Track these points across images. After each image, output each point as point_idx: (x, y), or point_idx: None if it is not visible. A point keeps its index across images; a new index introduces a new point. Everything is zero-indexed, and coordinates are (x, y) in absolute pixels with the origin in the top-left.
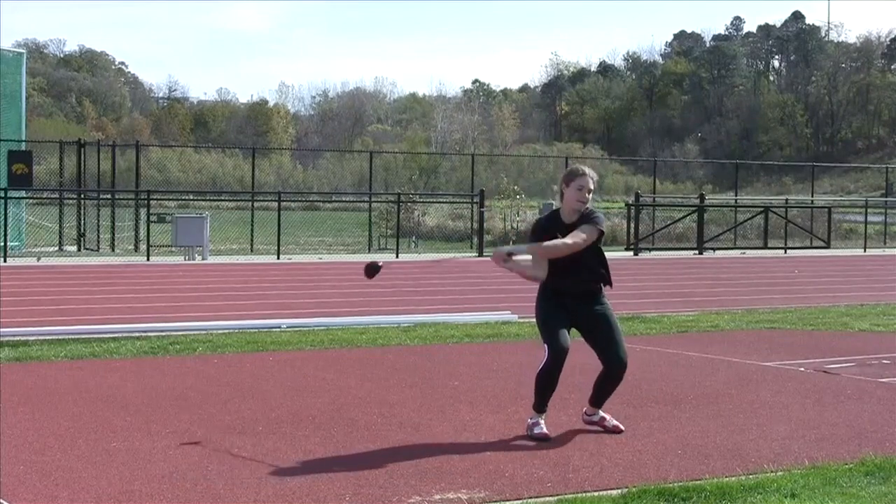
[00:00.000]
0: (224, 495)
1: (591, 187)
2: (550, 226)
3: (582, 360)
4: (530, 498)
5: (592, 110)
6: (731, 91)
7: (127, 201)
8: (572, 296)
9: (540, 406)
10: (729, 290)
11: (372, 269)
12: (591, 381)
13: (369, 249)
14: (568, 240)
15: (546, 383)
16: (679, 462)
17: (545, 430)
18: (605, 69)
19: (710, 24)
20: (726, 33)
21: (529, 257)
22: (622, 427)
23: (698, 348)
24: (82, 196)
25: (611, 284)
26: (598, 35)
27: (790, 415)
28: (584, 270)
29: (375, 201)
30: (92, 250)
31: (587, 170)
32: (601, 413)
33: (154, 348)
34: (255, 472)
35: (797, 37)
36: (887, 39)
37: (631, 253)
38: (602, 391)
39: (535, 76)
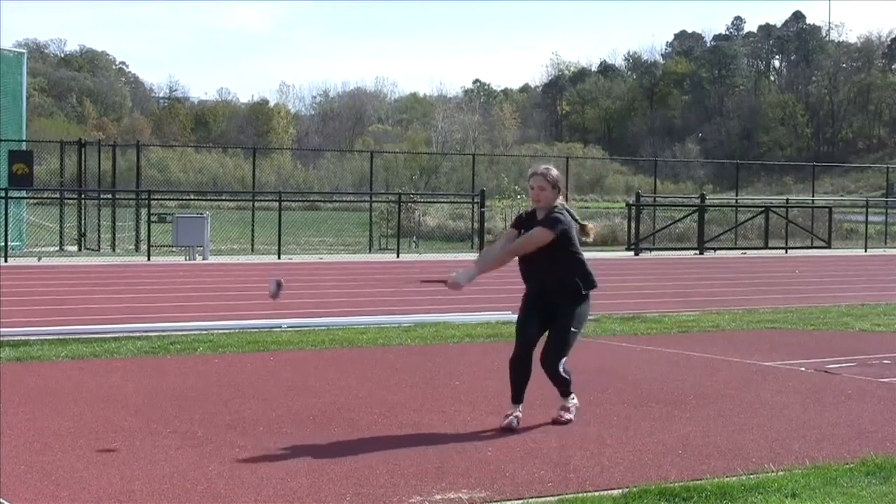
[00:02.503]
0: (224, 495)
1: (542, 184)
2: (526, 220)
3: (581, 360)
4: (531, 498)
5: (593, 110)
6: (732, 91)
7: (127, 201)
8: (538, 294)
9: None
10: (730, 290)
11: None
12: (589, 381)
13: (370, 249)
14: (507, 246)
15: (511, 374)
16: (680, 462)
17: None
18: (605, 69)
19: (711, 24)
20: (727, 33)
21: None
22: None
23: (699, 348)
24: (83, 196)
25: (582, 286)
26: (599, 35)
27: (791, 415)
28: (543, 271)
29: (376, 201)
30: (93, 250)
31: (540, 168)
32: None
33: (155, 348)
34: (255, 472)
35: (798, 37)
36: (888, 39)
37: (632, 253)
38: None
39: (536, 76)
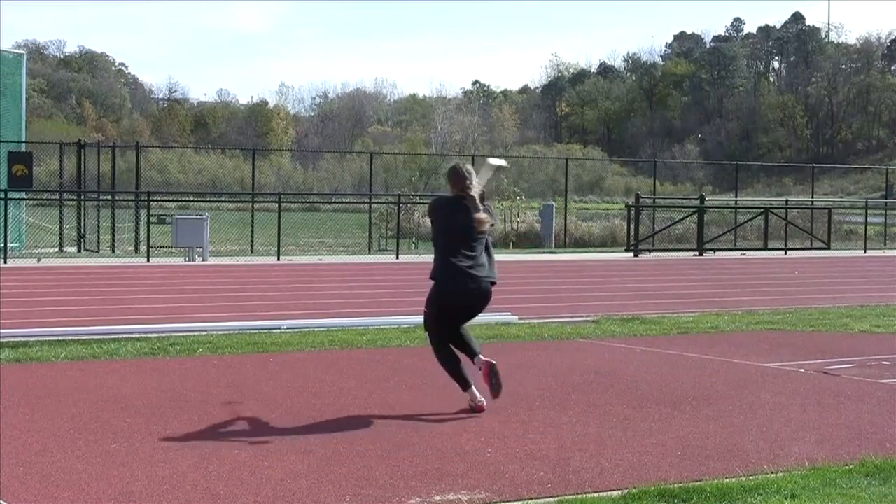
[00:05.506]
0: (224, 496)
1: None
2: (452, 203)
3: (581, 361)
4: (530, 499)
5: (592, 111)
6: (731, 92)
7: (127, 202)
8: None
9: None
10: (729, 291)
11: None
12: (588, 382)
13: (369, 250)
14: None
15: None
16: (679, 463)
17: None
18: (605, 70)
19: (711, 25)
20: (726, 34)
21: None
22: (484, 407)
23: (698, 349)
24: (82, 197)
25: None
26: (598, 36)
27: (790, 416)
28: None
29: (375, 202)
30: (92, 251)
31: (466, 168)
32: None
33: (154, 349)
34: (254, 473)
35: (797, 38)
36: (887, 40)
37: (631, 254)
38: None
39: (536, 77)
